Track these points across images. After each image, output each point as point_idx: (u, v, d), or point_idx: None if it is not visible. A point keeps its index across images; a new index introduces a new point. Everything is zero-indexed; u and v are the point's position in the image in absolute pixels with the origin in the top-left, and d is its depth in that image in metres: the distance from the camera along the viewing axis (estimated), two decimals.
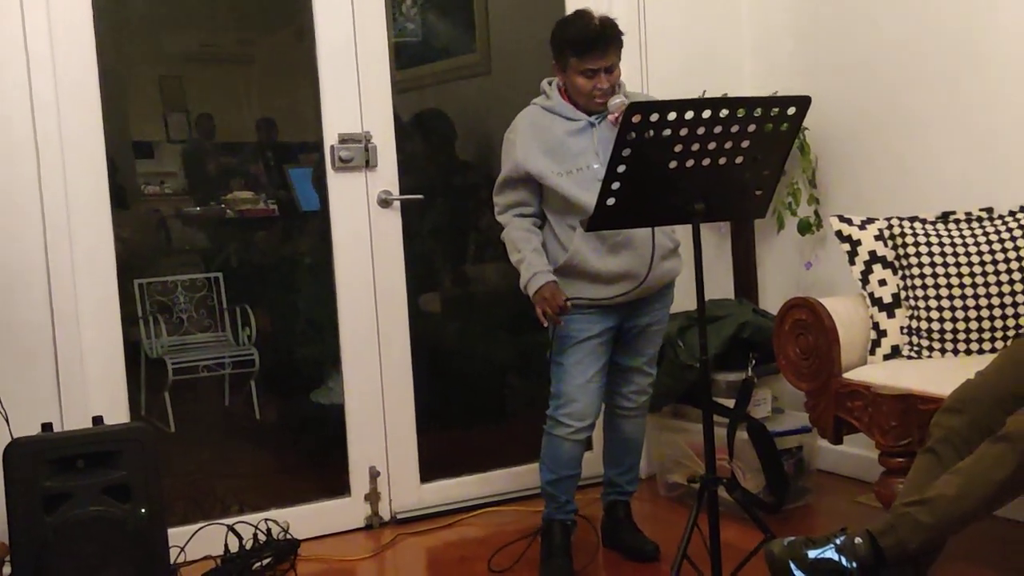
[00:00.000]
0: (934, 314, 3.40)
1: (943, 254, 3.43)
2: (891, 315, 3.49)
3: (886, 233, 3.53)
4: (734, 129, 2.82)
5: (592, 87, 3.31)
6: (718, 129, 2.80)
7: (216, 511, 4.00)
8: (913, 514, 2.65)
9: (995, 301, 3.38)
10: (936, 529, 2.65)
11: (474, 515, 4.15)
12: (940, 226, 3.52)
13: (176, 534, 3.49)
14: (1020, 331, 3.35)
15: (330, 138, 3.96)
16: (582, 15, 3.37)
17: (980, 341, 3.38)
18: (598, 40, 3.28)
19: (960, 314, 3.39)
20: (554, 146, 3.35)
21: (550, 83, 3.46)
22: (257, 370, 5.20)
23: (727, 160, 2.87)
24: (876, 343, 3.48)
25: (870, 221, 3.59)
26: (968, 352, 3.39)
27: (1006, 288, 3.38)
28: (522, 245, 3.36)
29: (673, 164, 2.83)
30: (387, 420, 4.10)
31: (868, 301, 3.52)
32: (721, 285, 4.51)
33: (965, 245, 3.44)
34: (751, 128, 2.83)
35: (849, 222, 3.59)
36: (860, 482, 4.13)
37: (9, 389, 3.30)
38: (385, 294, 4.07)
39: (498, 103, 4.72)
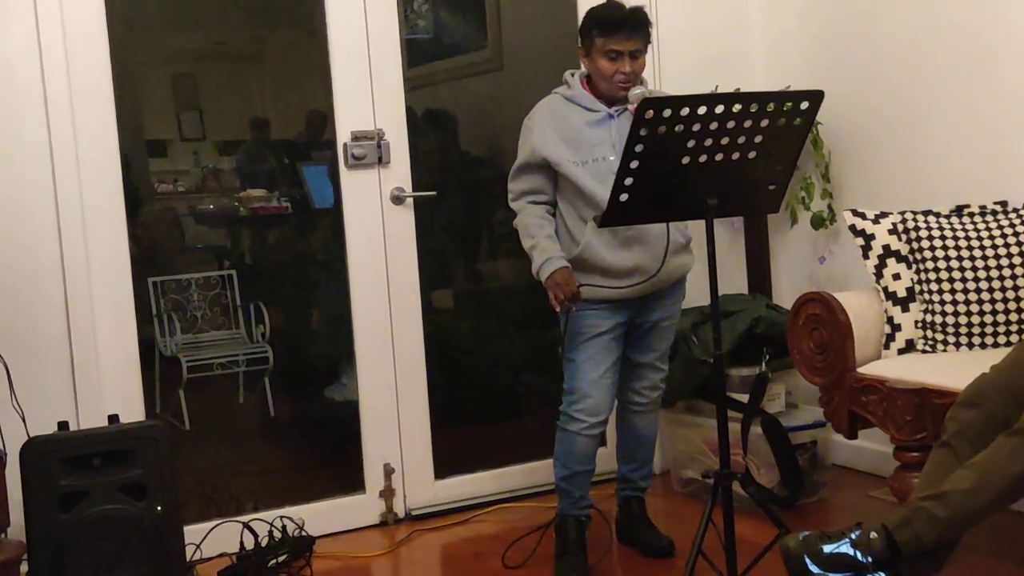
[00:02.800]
0: (948, 308, 3.39)
1: (957, 248, 3.42)
2: (905, 309, 3.48)
3: (900, 227, 3.52)
4: (747, 124, 2.81)
5: (615, 70, 3.32)
6: (731, 124, 2.80)
7: (231, 508, 4.02)
8: (928, 508, 2.65)
9: (1010, 295, 3.37)
10: (951, 523, 2.64)
11: (488, 511, 4.16)
12: (954, 220, 3.51)
13: (192, 531, 3.51)
14: None
15: (343, 136, 3.97)
16: (612, 0, 3.43)
17: (995, 335, 3.37)
18: (626, 21, 3.31)
19: (975, 308, 3.38)
20: (572, 135, 3.36)
21: (572, 74, 3.48)
22: (271, 367, 5.21)
23: (740, 155, 2.87)
24: (890, 337, 3.48)
25: (884, 215, 3.58)
26: (983, 346, 3.38)
27: (1021, 281, 3.37)
28: (535, 231, 3.36)
29: (686, 159, 2.83)
30: (401, 416, 4.11)
31: (882, 295, 3.51)
32: (735, 280, 4.51)
33: (979, 238, 3.43)
34: (764, 123, 2.83)
35: (863, 216, 3.58)
36: (875, 476, 4.12)
37: (25, 388, 3.31)
38: (398, 291, 4.07)
39: (510, 99, 4.72)
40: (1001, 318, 3.37)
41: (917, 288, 3.47)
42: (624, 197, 2.87)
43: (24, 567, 3.16)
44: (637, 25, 3.33)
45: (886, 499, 3.70)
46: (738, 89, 4.23)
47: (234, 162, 5.72)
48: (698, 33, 4.50)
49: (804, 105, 2.86)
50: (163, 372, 5.04)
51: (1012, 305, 3.36)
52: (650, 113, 2.73)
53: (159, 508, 3.13)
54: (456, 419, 4.56)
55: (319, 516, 3.92)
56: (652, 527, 3.70)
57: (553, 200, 3.43)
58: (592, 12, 3.41)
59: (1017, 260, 3.38)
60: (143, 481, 3.13)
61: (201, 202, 5.83)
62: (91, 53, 3.58)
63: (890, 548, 2.66)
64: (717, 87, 4.27)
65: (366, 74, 3.98)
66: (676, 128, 2.76)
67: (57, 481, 3.05)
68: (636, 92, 3.31)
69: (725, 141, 2.82)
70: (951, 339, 3.40)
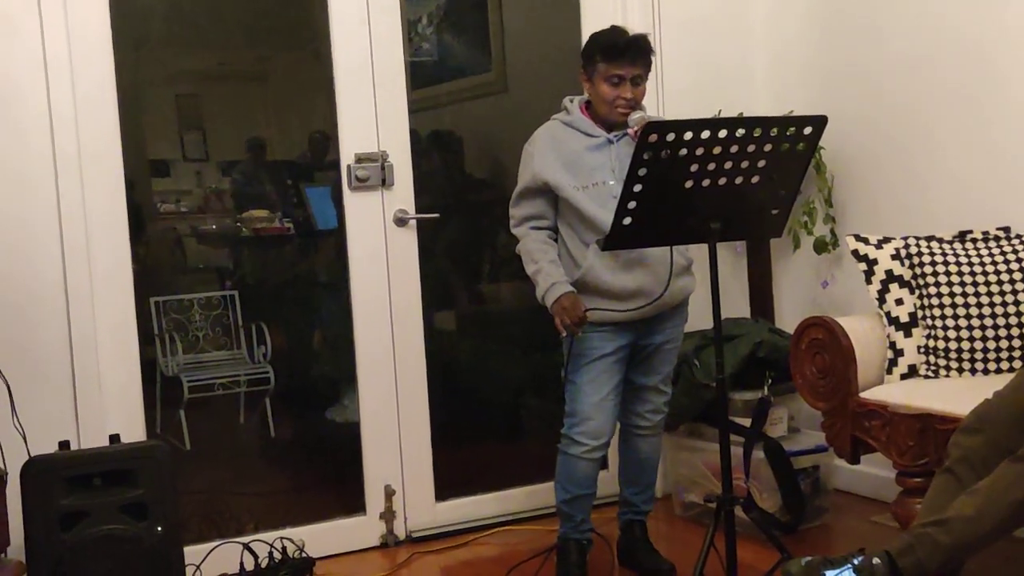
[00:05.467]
0: (951, 333, 3.39)
1: (960, 273, 3.42)
2: (908, 334, 3.48)
3: (903, 252, 3.53)
4: (750, 148, 2.82)
5: (616, 95, 3.33)
6: (734, 148, 2.81)
7: (232, 529, 4.00)
8: (931, 534, 2.64)
9: (1012, 320, 3.36)
10: (955, 550, 2.64)
11: (489, 534, 4.14)
12: (957, 245, 3.51)
13: (192, 552, 3.50)
14: None
15: (347, 157, 3.97)
16: (616, 27, 3.47)
17: (998, 360, 3.37)
18: (630, 47, 3.33)
19: (977, 333, 3.37)
20: (572, 160, 3.37)
21: (572, 100, 3.49)
22: (272, 388, 5.21)
23: (743, 179, 2.88)
24: (893, 362, 3.47)
25: (887, 240, 3.58)
26: (986, 372, 3.38)
27: None
28: (539, 256, 3.37)
29: (689, 183, 2.83)
30: (402, 438, 4.10)
31: (885, 320, 3.51)
32: (737, 304, 4.51)
33: (982, 264, 3.43)
34: (767, 147, 2.84)
35: (865, 241, 3.59)
36: (877, 502, 4.10)
37: (26, 407, 3.31)
38: (401, 312, 4.07)
39: (514, 122, 4.73)
40: (1004, 344, 3.36)
41: (920, 313, 3.47)
42: (627, 220, 2.88)
43: None
44: (640, 52, 3.35)
45: (889, 525, 3.69)
46: (741, 114, 4.24)
47: (236, 182, 5.73)
48: (700, 55, 4.51)
49: (807, 130, 2.87)
50: (164, 392, 5.05)
51: (1015, 331, 3.36)
52: (654, 137, 2.74)
53: (159, 528, 3.13)
54: (457, 441, 4.56)
55: (319, 537, 3.91)
56: (654, 551, 3.69)
57: (555, 225, 3.43)
58: (596, 37, 3.43)
59: (1020, 286, 3.38)
60: (144, 501, 3.12)
61: (204, 222, 5.84)
62: (96, 72, 3.59)
63: (893, 574, 2.65)
64: (720, 111, 4.28)
65: (370, 96, 3.99)
66: (679, 152, 2.76)
67: (58, 501, 3.05)
68: (636, 116, 3.32)
69: (728, 165, 2.83)
70: (954, 364, 3.39)
